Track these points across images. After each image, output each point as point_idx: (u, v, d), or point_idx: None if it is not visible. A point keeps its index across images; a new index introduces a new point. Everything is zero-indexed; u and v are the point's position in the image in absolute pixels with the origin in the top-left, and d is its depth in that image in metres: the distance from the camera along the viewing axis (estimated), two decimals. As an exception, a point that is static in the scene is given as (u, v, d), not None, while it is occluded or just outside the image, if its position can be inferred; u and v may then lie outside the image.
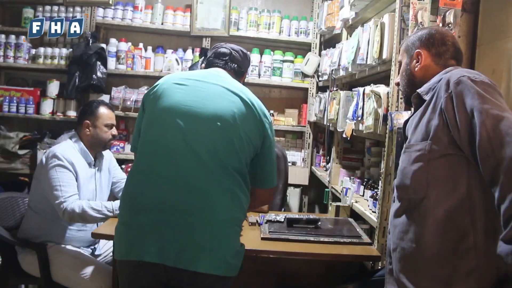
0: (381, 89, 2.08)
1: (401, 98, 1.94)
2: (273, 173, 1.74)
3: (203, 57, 3.76)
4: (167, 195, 1.54)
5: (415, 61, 1.46)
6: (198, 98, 1.61)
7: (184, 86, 1.64)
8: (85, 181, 2.39)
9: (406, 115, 1.86)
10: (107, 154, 2.62)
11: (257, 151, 1.66)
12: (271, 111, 3.95)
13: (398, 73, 1.57)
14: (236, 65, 1.82)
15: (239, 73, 1.84)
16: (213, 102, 1.60)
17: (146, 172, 1.59)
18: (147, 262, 1.52)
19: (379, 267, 2.01)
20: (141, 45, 3.92)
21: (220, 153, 1.56)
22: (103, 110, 2.47)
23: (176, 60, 3.82)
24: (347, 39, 2.96)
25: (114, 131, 2.49)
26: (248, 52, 1.94)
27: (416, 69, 1.46)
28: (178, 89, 1.63)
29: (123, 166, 3.21)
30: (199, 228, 1.53)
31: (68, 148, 2.37)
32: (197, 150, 1.55)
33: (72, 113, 3.74)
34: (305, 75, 3.94)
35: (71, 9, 3.79)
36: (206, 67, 1.85)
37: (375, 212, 2.17)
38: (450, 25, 1.76)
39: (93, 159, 2.46)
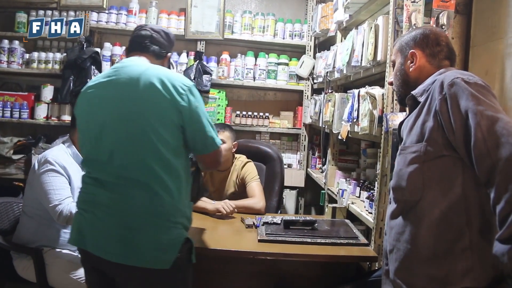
0: (376, 90, 2.09)
1: (395, 100, 1.95)
2: (209, 137, 1.67)
3: (197, 61, 3.76)
4: (95, 193, 1.66)
5: (409, 61, 1.47)
6: (102, 105, 1.66)
7: (91, 96, 1.70)
8: (79, 184, 2.36)
9: (401, 116, 1.86)
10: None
11: (181, 124, 1.61)
12: (267, 114, 3.96)
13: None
14: (157, 47, 1.80)
15: (160, 55, 1.81)
16: (117, 105, 1.63)
17: (86, 175, 1.75)
18: (86, 251, 1.63)
19: (376, 268, 2.02)
20: (135, 49, 3.91)
21: (138, 149, 1.59)
22: None
23: (171, 63, 3.82)
24: (341, 41, 2.97)
25: None
26: (172, 33, 1.90)
27: (410, 69, 1.47)
28: (89, 100, 1.71)
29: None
30: (120, 222, 1.58)
31: (60, 153, 2.36)
32: (111, 150, 1.62)
33: (66, 118, 3.73)
34: (300, 78, 3.95)
35: (65, 14, 3.78)
36: (127, 51, 1.84)
37: (371, 213, 2.17)
38: (443, 26, 1.77)
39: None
